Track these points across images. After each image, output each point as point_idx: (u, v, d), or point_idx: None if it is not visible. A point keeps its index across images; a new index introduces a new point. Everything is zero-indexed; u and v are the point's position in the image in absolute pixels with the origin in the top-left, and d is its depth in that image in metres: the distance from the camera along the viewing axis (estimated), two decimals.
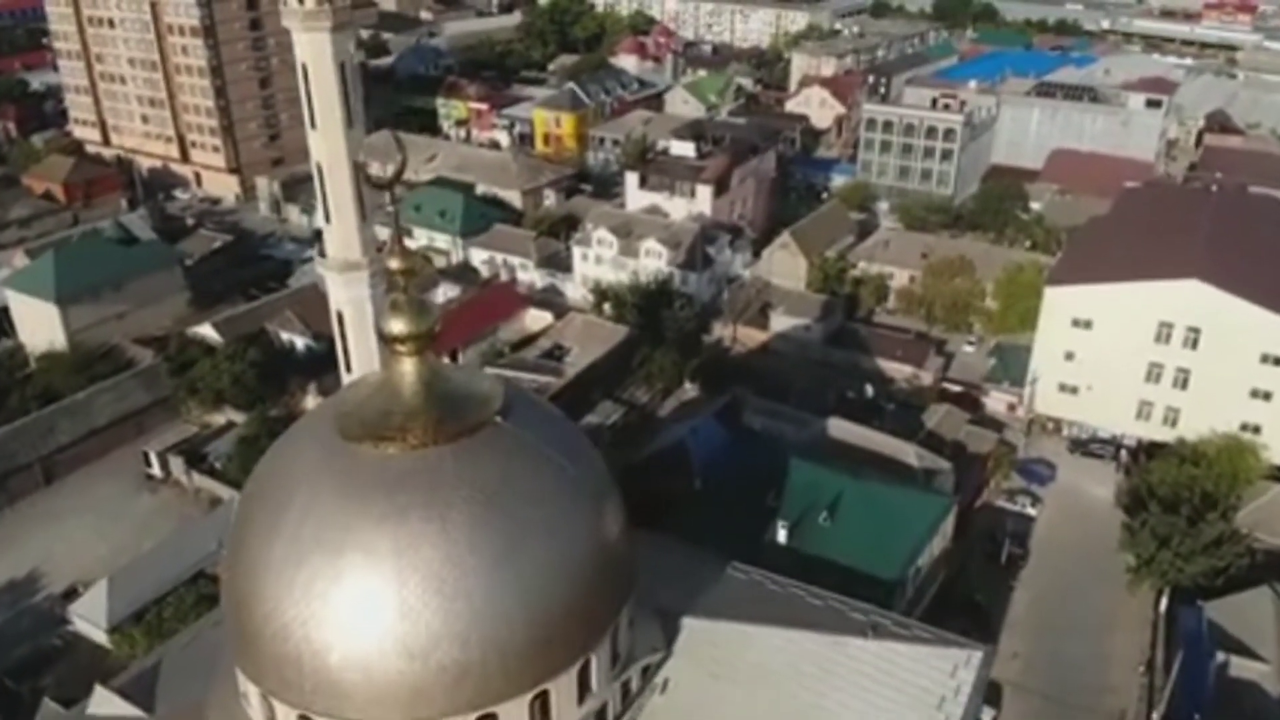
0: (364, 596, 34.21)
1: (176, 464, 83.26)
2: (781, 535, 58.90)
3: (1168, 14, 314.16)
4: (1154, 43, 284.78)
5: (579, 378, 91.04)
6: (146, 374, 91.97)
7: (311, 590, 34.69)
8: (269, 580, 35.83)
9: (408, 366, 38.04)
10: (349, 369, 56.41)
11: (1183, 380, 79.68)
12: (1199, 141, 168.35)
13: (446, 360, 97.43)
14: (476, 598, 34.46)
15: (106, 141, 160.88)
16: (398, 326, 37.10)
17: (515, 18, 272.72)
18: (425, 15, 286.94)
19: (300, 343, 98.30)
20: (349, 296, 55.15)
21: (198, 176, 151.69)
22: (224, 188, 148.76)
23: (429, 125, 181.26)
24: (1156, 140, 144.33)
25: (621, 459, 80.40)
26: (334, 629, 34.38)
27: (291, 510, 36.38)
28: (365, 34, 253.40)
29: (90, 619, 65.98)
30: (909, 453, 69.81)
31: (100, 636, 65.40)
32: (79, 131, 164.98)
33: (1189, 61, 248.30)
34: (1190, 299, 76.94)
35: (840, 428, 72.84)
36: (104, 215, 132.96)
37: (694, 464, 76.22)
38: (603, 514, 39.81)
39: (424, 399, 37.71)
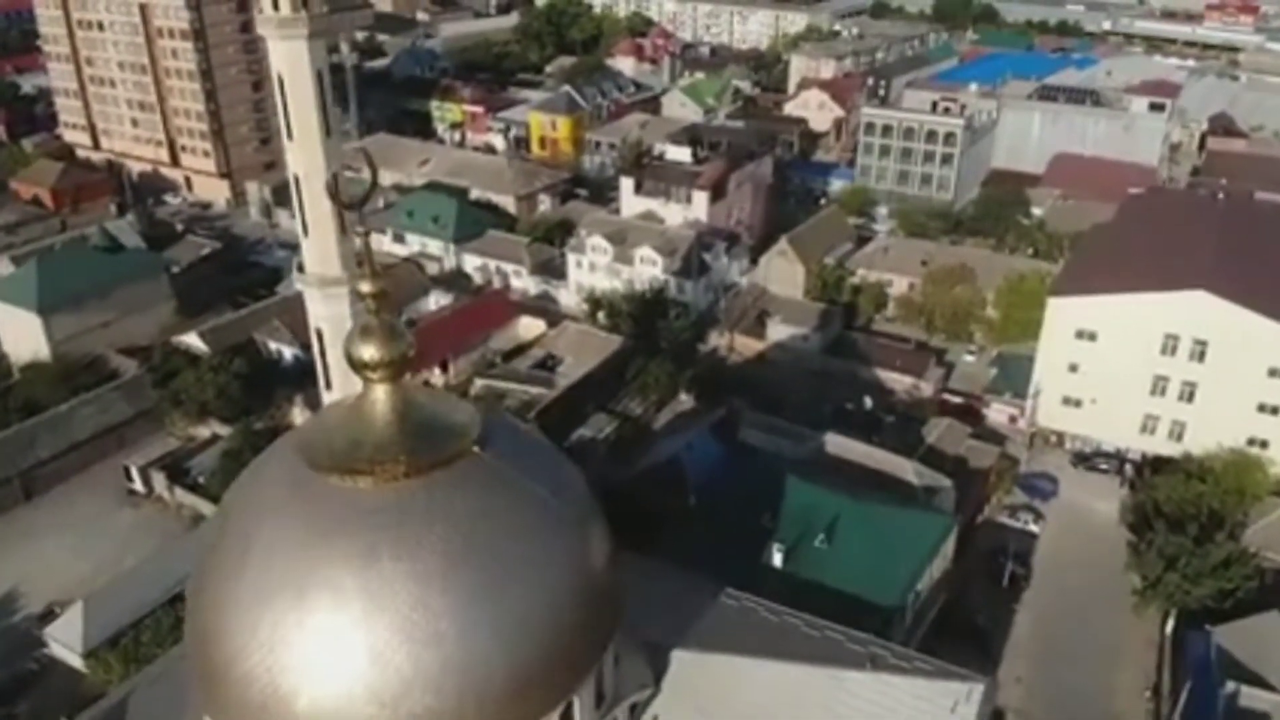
0: (331, 641, 32.31)
1: (159, 479, 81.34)
2: (777, 559, 57.00)
3: (1169, 15, 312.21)
4: (1156, 44, 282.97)
5: (572, 389, 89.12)
6: (130, 385, 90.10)
7: (276, 634, 32.79)
8: (232, 622, 33.94)
9: (380, 394, 36.13)
10: (329, 387, 54.69)
11: (1189, 394, 77.81)
12: (1202, 145, 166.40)
13: (436, 373, 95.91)
14: (450, 642, 32.55)
15: (96, 145, 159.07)
16: (368, 352, 35.21)
17: (512, 19, 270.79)
18: (422, 16, 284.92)
19: (288, 353, 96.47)
20: (328, 313, 53.37)
21: (188, 181, 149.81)
22: (215, 192, 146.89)
23: (424, 128, 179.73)
24: (1160, 144, 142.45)
25: (615, 474, 78.93)
26: (300, 675, 32.48)
27: (256, 547, 34.53)
28: (361, 35, 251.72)
29: (65, 643, 64.06)
30: (908, 470, 67.91)
31: (76, 661, 63.48)
32: (69, 135, 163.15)
33: (1191, 63, 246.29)
34: (1197, 311, 75.05)
35: (838, 444, 70.95)
36: (93, 221, 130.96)
37: (688, 481, 74.42)
38: (587, 548, 37.94)
39: (397, 429, 35.81)
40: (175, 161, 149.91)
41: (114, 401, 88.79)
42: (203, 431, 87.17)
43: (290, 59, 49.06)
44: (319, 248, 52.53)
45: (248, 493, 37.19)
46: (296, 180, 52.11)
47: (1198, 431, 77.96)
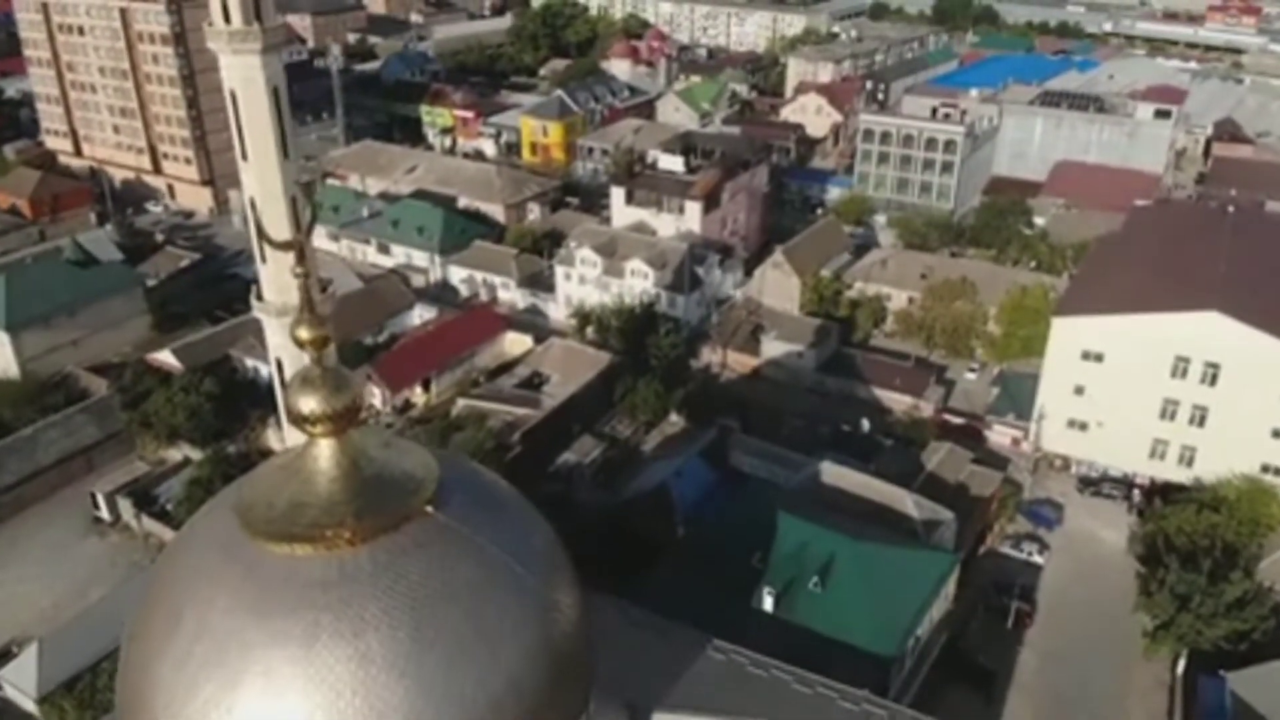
0: None
1: (125, 506, 78.02)
2: (768, 603, 53.72)
3: (1170, 16, 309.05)
4: (1157, 46, 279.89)
5: (558, 410, 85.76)
6: (99, 406, 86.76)
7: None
8: (158, 700, 30.61)
9: (323, 449, 32.72)
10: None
11: (1200, 418, 74.59)
12: (1207, 150, 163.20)
13: (419, 392, 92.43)
14: None
15: (79, 152, 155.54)
16: (309, 405, 31.73)
17: (507, 20, 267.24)
18: (415, 18, 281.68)
19: (264, 370, 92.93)
20: (288, 342, 50.03)
21: (170, 189, 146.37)
22: (197, 201, 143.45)
23: (415, 133, 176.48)
24: (1166, 152, 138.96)
25: (601, 501, 75.70)
26: None
27: (186, 621, 31.06)
28: (353, 38, 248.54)
29: (19, 686, 60.78)
30: (908, 502, 64.57)
31: (30, 705, 60.20)
32: (51, 142, 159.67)
33: (1194, 65, 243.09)
34: (1209, 332, 71.81)
35: (834, 473, 67.63)
36: (73, 230, 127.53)
37: (677, 509, 71.40)
38: (554, 616, 34.48)
39: (342, 488, 32.34)
40: (157, 169, 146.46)
41: (82, 423, 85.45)
42: (174, 455, 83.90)
43: (243, 75, 46.00)
44: (277, 274, 49.52)
45: (180, 558, 33.79)
46: (252, 203, 48.96)
47: (1209, 457, 74.68)
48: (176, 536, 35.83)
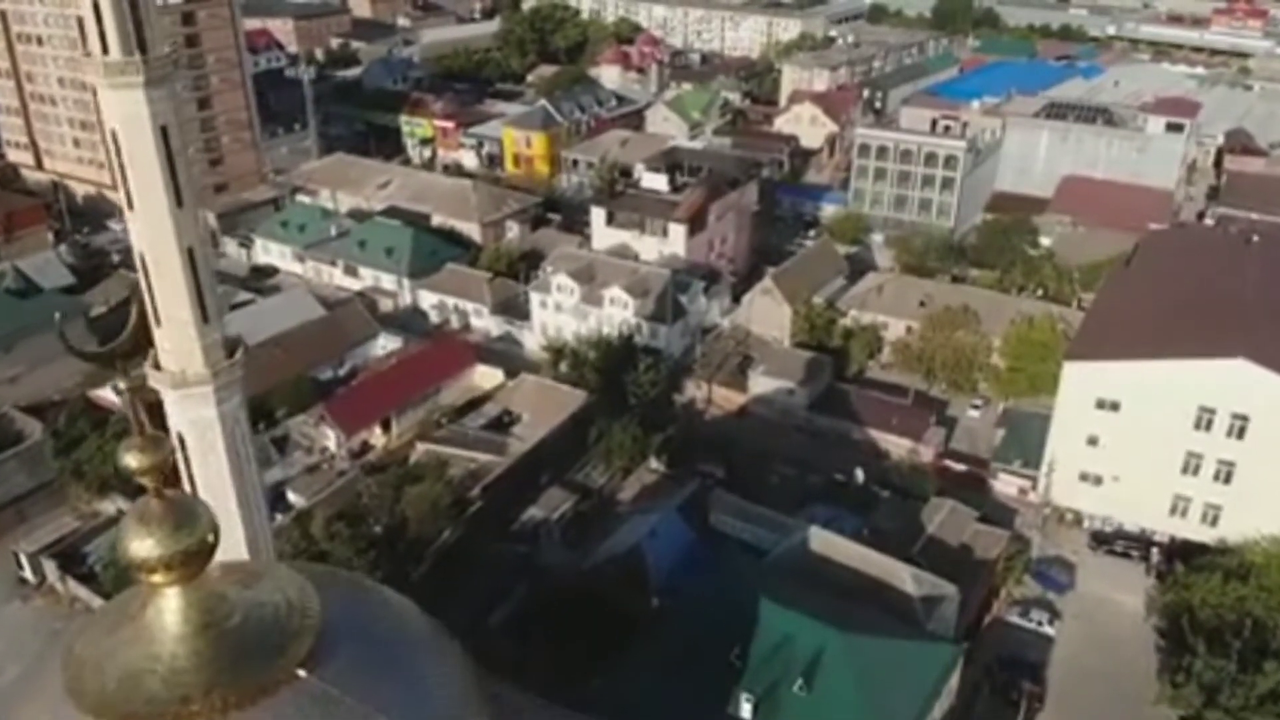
0: None
1: (50, 567, 71.32)
2: (746, 710, 47.05)
3: (1175, 19, 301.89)
4: (1162, 49, 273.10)
5: (526, 456, 79.08)
6: (30, 453, 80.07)
7: None
8: None
9: (167, 603, 25.96)
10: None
11: (1225, 474, 68.00)
12: (1217, 160, 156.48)
13: (378, 433, 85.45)
14: None
15: (40, 165, 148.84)
16: (144, 550, 25.02)
17: (496, 24, 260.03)
18: (402, 22, 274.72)
19: None
20: (189, 418, 43.54)
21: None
22: None
23: (394, 144, 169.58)
24: (1178, 167, 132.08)
25: (568, 564, 69.08)
26: None
27: None
28: (336, 43, 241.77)
29: None
30: (905, 578, 57.92)
31: None
32: (13, 155, 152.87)
33: (1200, 71, 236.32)
34: (1236, 381, 65.26)
35: (822, 540, 60.94)
36: (29, 250, 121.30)
37: (651, 578, 64.79)
38: None
39: (190, 651, 25.41)
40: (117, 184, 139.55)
41: (12, 471, 78.77)
42: (108, 507, 77.15)
43: (124, 112, 39.05)
44: (176, 340, 42.57)
45: None
46: (143, 260, 42.27)
47: (1235, 516, 68.06)
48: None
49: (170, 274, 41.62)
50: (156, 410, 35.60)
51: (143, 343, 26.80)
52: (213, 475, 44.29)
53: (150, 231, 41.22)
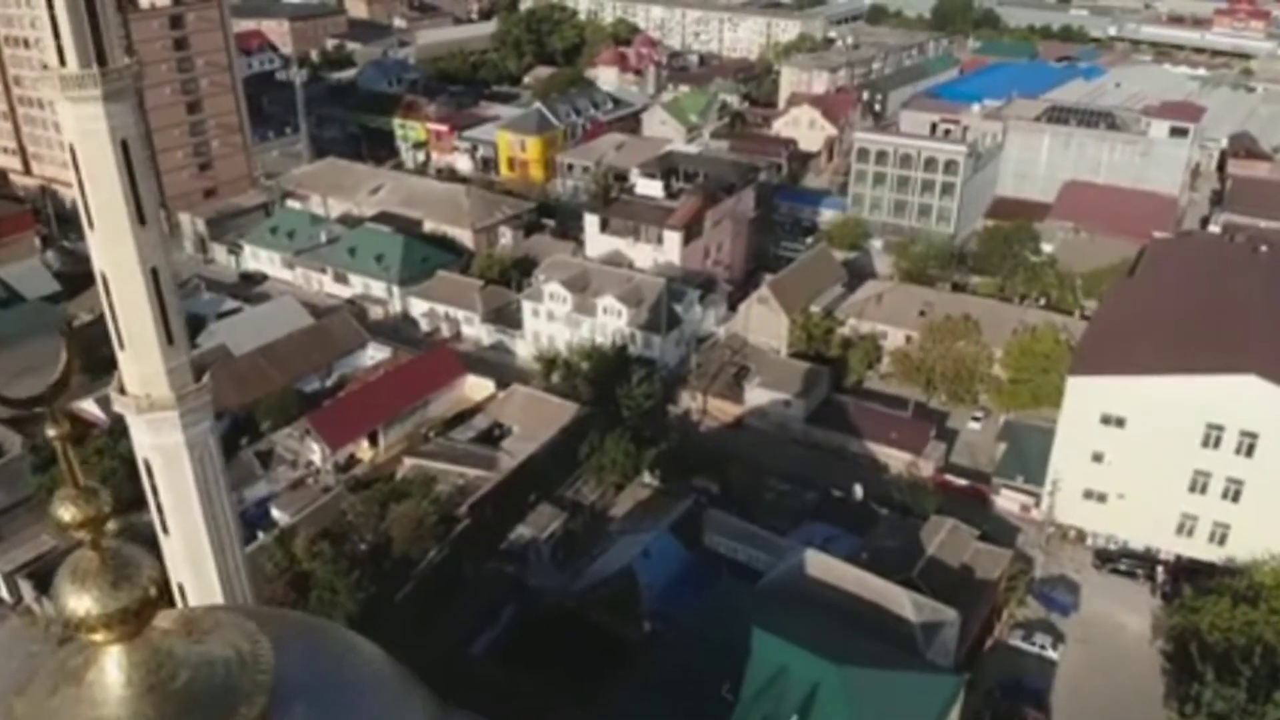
0: None
1: (26, 587, 69.41)
2: None
3: (1176, 20, 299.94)
4: (1163, 50, 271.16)
5: (515, 473, 77.13)
6: (8, 469, 78.22)
7: None
8: None
9: (111, 661, 24.10)
10: (165, 531, 43.32)
11: (1234, 492, 66.14)
12: (1221, 164, 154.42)
13: (365, 446, 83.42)
14: None
15: (28, 170, 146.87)
16: (83, 607, 23.13)
17: (493, 25, 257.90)
18: (399, 23, 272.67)
19: None
20: (156, 443, 41.95)
21: None
22: None
23: (388, 147, 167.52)
24: (1182, 173, 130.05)
25: (558, 586, 67.13)
26: None
27: None
28: (332, 44, 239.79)
29: None
30: (904, 602, 55.97)
31: None
32: (1, 160, 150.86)
33: (1202, 72, 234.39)
34: (1245, 398, 63.35)
35: (819, 564, 58.94)
36: (16, 257, 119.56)
37: (643, 598, 63.03)
38: None
39: (135, 712, 23.57)
40: None
41: None
42: None
43: (82, 127, 37.39)
44: (141, 363, 40.91)
45: None
46: (104, 279, 40.48)
47: (1244, 535, 66.17)
48: None
49: (133, 295, 40.01)
50: None
51: (68, 383, 24.77)
52: (180, 503, 42.52)
53: (111, 251, 39.63)
